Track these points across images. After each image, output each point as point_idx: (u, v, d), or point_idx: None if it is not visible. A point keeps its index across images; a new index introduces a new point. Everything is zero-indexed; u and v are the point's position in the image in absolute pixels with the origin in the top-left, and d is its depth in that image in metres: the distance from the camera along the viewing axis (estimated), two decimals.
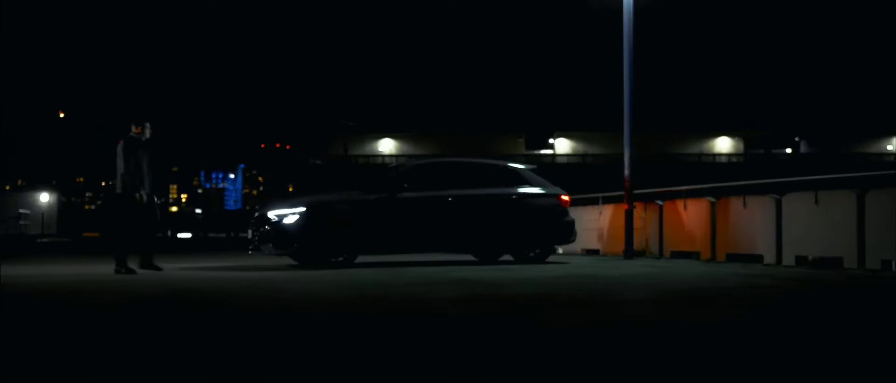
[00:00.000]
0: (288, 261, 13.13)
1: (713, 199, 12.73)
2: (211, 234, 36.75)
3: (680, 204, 13.52)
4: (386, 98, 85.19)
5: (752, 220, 11.86)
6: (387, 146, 74.86)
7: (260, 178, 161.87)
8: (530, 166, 13.26)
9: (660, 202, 14.22)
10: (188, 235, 40.22)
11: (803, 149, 78.08)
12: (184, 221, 60.47)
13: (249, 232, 12.23)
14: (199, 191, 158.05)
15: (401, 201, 11.89)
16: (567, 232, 12.79)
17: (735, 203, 12.26)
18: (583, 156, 75.41)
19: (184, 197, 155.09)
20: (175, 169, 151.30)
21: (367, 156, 72.59)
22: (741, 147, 76.27)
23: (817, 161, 69.15)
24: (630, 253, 13.85)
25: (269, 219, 11.80)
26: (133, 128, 11.00)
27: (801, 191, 11.10)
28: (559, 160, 75.65)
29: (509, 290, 7.82)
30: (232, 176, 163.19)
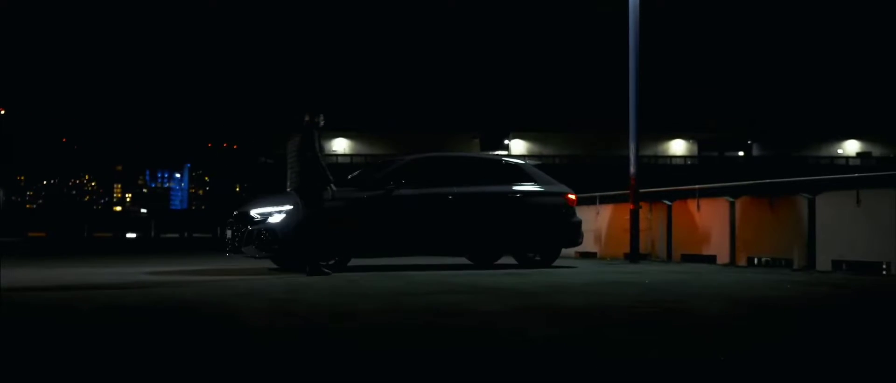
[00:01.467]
0: (268, 264, 11.93)
1: (732, 199, 11.81)
2: (162, 235, 35.10)
3: (692, 204, 12.58)
4: (339, 97, 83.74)
5: (779, 222, 10.95)
6: (340, 145, 73.43)
7: (206, 178, 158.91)
8: (534, 162, 12.20)
9: (668, 202, 13.27)
10: (133, 235, 38.53)
11: (755, 151, 78.46)
12: (130, 221, 58.40)
13: (228, 232, 10.99)
14: (145, 190, 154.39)
15: (397, 199, 10.77)
16: (574, 233, 11.78)
17: (759, 203, 11.34)
18: (539, 157, 74.71)
19: (128, 196, 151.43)
20: (119, 168, 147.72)
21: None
22: (695, 149, 76.35)
23: (770, 164, 69.46)
24: (636, 256, 12.89)
25: (252, 218, 10.59)
26: (307, 118, 10.10)
27: (839, 191, 10.20)
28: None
29: (557, 301, 6.75)
30: (178, 175, 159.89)
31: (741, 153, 78.23)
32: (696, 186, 12.50)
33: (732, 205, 11.77)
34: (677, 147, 76.98)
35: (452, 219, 10.96)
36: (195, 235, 35.02)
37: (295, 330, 5.09)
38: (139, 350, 4.39)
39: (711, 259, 12.06)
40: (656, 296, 7.18)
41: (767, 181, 11.26)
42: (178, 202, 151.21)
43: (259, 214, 10.57)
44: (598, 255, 14.67)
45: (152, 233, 33.99)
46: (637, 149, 13.07)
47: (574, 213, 11.85)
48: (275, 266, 11.54)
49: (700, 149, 76.13)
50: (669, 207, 13.14)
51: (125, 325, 5.38)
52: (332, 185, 9.95)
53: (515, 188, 11.53)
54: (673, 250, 12.96)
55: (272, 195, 11.22)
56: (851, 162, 72.43)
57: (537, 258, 11.55)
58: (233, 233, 10.79)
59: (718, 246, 11.95)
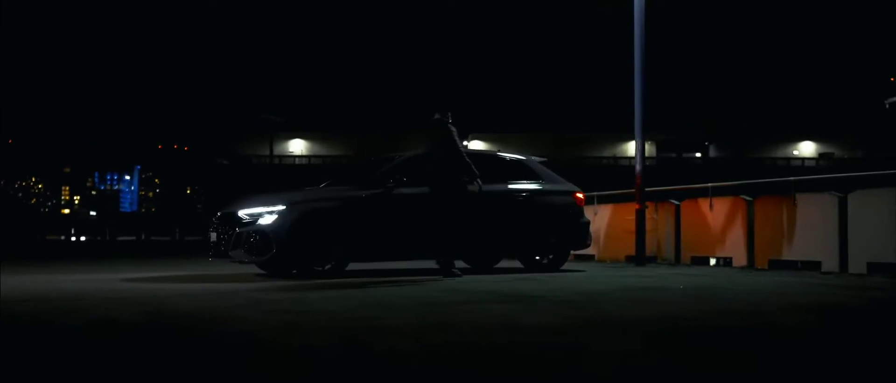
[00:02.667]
0: (253, 269, 10.99)
1: (749, 198, 11.15)
2: (116, 238, 33.74)
3: (704, 203, 11.90)
4: (295, 97, 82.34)
5: (805, 222, 10.30)
6: (297, 146, 72.19)
7: (156, 180, 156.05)
8: (540, 158, 11.44)
9: (675, 201, 12.59)
10: (86, 238, 37.04)
11: (712, 153, 78.82)
12: (80, 224, 56.44)
13: (213, 235, 10.04)
14: (93, 192, 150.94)
15: (398, 198, 9.92)
16: (583, 235, 11.03)
17: (780, 202, 10.69)
18: None
19: (77, 199, 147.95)
20: (67, 169, 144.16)
21: (277, 157, 69.70)
22: (653, 150, 76.36)
23: (727, 165, 69.73)
24: (642, 258, 12.19)
25: (240, 219, 9.67)
26: (437, 116, 9.64)
27: (874, 188, 9.58)
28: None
29: (610, 312, 5.97)
30: (128, 177, 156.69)
31: (698, 154, 78.50)
32: (709, 184, 11.82)
33: (750, 204, 11.11)
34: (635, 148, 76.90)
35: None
36: (153, 238, 33.72)
37: (326, 352, 4.23)
38: (159, 379, 3.51)
39: (726, 261, 11.38)
40: (716, 306, 6.44)
41: (792, 179, 10.59)
42: (128, 204, 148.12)
43: (248, 215, 9.65)
44: (596, 258, 13.95)
45: (108, 236, 32.63)
46: (643, 147, 12.39)
47: (582, 213, 11.11)
48: (261, 271, 10.63)
49: (658, 150, 76.20)
50: (677, 207, 12.45)
51: (131, 347, 4.48)
52: (478, 180, 9.51)
53: (522, 186, 10.76)
54: (682, 252, 12.27)
55: (261, 194, 10.31)
56: (807, 162, 72.95)
57: (544, 261, 10.78)
58: (219, 236, 9.85)
59: (734, 247, 11.28)
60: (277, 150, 70.73)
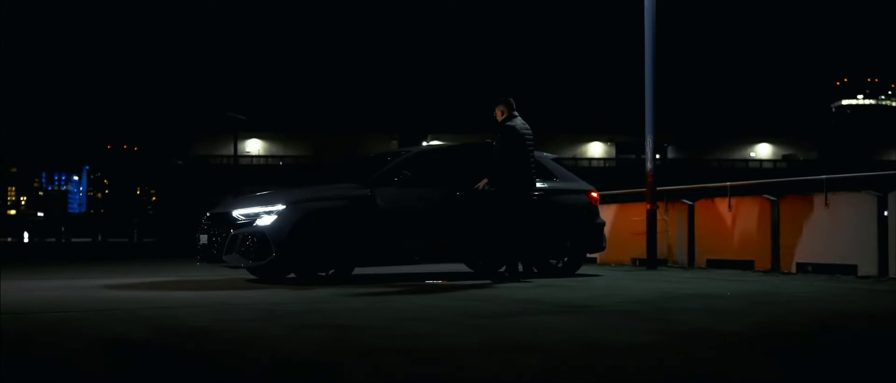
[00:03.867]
0: (244, 273, 10.09)
1: (774, 198, 10.52)
2: (69, 239, 32.35)
3: (722, 203, 11.25)
4: (251, 96, 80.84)
5: (838, 223, 9.69)
6: (254, 146, 70.66)
7: (105, 181, 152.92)
8: (552, 155, 10.69)
9: (688, 201, 11.93)
10: (36, 240, 35.55)
11: (671, 154, 78.99)
12: (28, 225, 54.50)
13: (203, 237, 9.13)
14: (41, 193, 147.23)
15: (407, 197, 9.09)
16: (600, 237, 10.32)
17: (809, 202, 10.06)
18: None
19: (23, 199, 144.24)
20: (13, 170, 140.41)
21: (233, 157, 68.19)
22: (613, 151, 76.35)
23: (685, 166, 69.78)
24: (654, 261, 11.51)
25: (235, 220, 8.78)
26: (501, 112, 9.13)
27: None
28: None
29: (704, 326, 5.22)
30: (76, 177, 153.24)
31: (658, 155, 78.54)
32: (728, 183, 11.18)
33: (775, 204, 10.48)
34: (595, 149, 76.94)
35: (470, 220, 9.35)
36: (109, 240, 32.41)
37: None
38: None
39: (746, 264, 10.74)
40: (794, 313, 5.74)
41: (823, 177, 9.97)
42: (76, 205, 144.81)
43: (244, 216, 8.76)
44: (598, 261, 13.24)
45: (63, 239, 31.26)
46: (654, 144, 11.70)
47: (598, 214, 10.39)
48: (253, 276, 9.74)
49: (618, 151, 76.16)
50: (691, 207, 11.79)
51: (152, 378, 3.63)
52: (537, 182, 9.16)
53: (540, 185, 10.01)
54: (696, 255, 11.61)
55: (258, 193, 9.43)
56: (765, 164, 73.33)
57: (559, 265, 10.05)
58: (210, 239, 8.94)
59: (757, 250, 10.64)
60: (233, 150, 69.19)
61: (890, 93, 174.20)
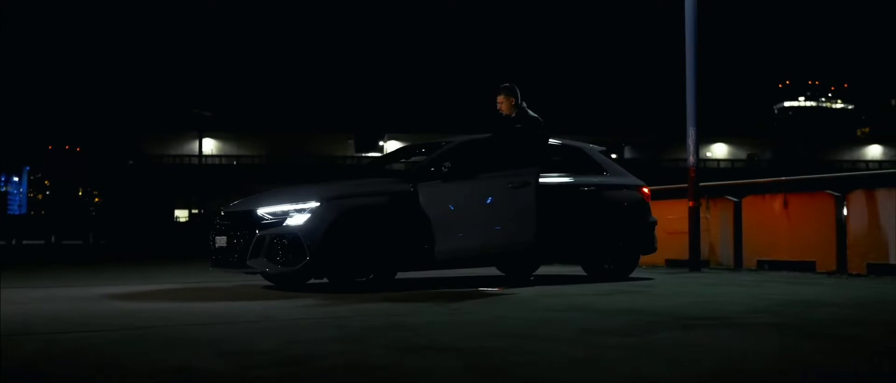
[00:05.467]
0: (259, 279, 8.94)
1: (838, 194, 9.66)
2: (25, 241, 30.51)
3: (774, 200, 10.36)
4: (201, 95, 78.74)
5: None
6: (207, 146, 68.66)
7: (46, 182, 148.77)
8: (600, 147, 9.71)
9: (733, 198, 11.03)
10: None
11: (628, 154, 78.92)
12: None
13: (220, 239, 7.95)
14: None
15: (452, 192, 8.01)
16: (652, 237, 9.37)
17: (879, 197, 9.22)
18: None
19: None
20: None
21: (184, 156, 66.32)
22: None
23: (642, 167, 69.58)
24: (697, 263, 10.60)
25: (260, 219, 7.62)
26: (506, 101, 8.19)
27: None
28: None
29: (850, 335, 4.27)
30: (16, 178, 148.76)
31: (614, 155, 78.41)
32: (782, 178, 10.30)
33: (839, 200, 9.61)
34: None
35: (516, 216, 8.29)
36: (64, 242, 30.70)
37: None
38: None
39: (806, 266, 9.86)
40: None
41: (894, 171, 9.13)
42: (16, 207, 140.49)
43: (271, 214, 7.60)
44: None
45: (13, 241, 29.48)
46: (697, 138, 10.78)
47: (650, 212, 9.43)
48: (269, 283, 8.60)
49: None
50: (736, 204, 10.89)
51: None
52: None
53: (587, 179, 9.03)
54: (744, 255, 10.71)
55: (284, 188, 8.30)
56: (723, 164, 73.50)
57: (609, 268, 9.06)
58: (230, 241, 7.77)
59: (819, 250, 9.76)
60: (186, 150, 67.32)
61: (830, 95, 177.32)
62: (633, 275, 9.64)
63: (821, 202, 9.79)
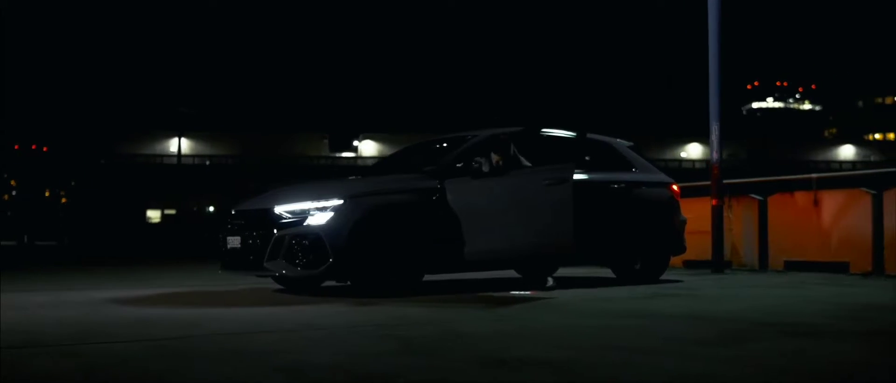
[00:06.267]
0: (269, 283, 8.39)
1: (874, 191, 9.26)
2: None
3: (804, 198, 9.95)
4: (175, 94, 77.52)
5: None
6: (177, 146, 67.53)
7: (12, 182, 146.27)
8: (627, 142, 9.23)
9: (757, 196, 10.62)
10: None
11: None
12: None
13: (232, 239, 7.37)
14: None
15: (483, 189, 7.49)
16: (682, 237, 8.92)
17: None
18: None
19: None
20: None
21: (158, 156, 65.21)
22: None
23: None
24: (720, 264, 10.17)
25: (277, 218, 7.04)
26: None
27: None
28: (365, 162, 71.77)
29: None
30: None
31: (589, 158, 78.10)
32: (813, 175, 9.88)
33: (876, 197, 9.22)
34: None
35: (548, 215, 7.77)
36: (37, 243, 29.84)
37: None
38: None
39: (838, 267, 9.46)
40: None
41: None
42: None
43: (290, 213, 7.03)
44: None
45: None
46: (720, 133, 10.35)
47: (679, 211, 8.97)
48: (280, 287, 8.05)
49: None
50: (762, 202, 10.47)
51: None
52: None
53: (618, 177, 8.56)
54: (770, 256, 10.29)
55: (302, 184, 7.75)
56: (697, 165, 73.58)
57: (640, 270, 8.60)
58: (245, 242, 7.20)
59: (853, 250, 9.36)
60: (158, 150, 66.20)
61: (798, 96, 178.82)
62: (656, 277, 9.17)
63: (856, 200, 9.39)
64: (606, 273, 9.79)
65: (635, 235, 8.46)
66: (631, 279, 8.45)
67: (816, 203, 9.76)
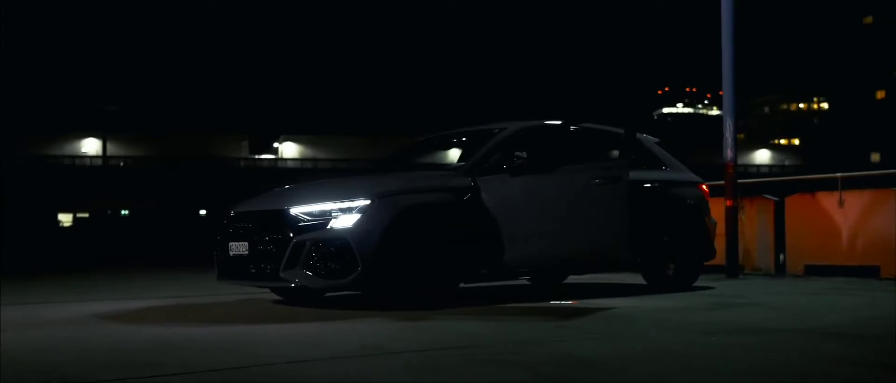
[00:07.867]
0: (267, 293, 7.40)
1: None
2: None
3: (827, 198, 9.39)
4: (88, 93, 74.38)
5: None
6: (91, 146, 64.86)
7: None
8: (654, 138, 8.50)
9: (772, 197, 10.04)
10: None
11: None
12: None
13: (237, 246, 6.36)
14: None
15: (523, 188, 6.67)
16: (712, 241, 8.23)
17: None
18: (313, 160, 70.42)
19: None
20: None
21: (69, 157, 62.39)
22: None
23: None
24: (735, 268, 9.56)
25: (295, 221, 6.06)
26: None
27: None
28: (286, 165, 70.16)
29: None
30: None
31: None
32: (838, 174, 9.33)
33: None
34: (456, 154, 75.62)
35: (586, 217, 6.98)
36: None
37: None
38: None
39: (867, 271, 8.92)
40: None
41: None
42: None
43: (308, 215, 6.07)
44: None
45: None
46: (735, 129, 9.75)
47: (710, 212, 8.30)
48: (279, 298, 7.08)
49: None
50: (778, 203, 9.89)
51: None
52: None
53: (647, 175, 7.82)
54: (788, 260, 9.72)
55: (321, 182, 6.81)
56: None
57: (671, 275, 7.88)
58: (253, 247, 6.21)
59: (884, 253, 8.82)
60: (69, 151, 63.41)
61: (707, 102, 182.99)
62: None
63: (886, 201, 8.87)
64: (623, 280, 9.09)
65: (670, 239, 7.75)
66: (664, 286, 7.73)
67: (841, 204, 9.22)
